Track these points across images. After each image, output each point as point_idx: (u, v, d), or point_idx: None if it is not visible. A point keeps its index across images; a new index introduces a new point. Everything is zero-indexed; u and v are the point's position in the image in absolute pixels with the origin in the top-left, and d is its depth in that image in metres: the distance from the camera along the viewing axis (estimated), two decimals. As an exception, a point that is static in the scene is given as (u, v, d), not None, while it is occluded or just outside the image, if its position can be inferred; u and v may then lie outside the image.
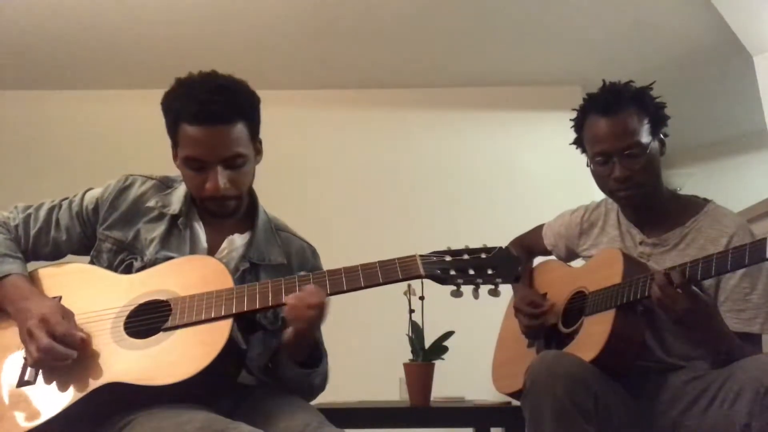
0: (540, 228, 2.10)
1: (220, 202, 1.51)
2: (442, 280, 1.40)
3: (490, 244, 1.46)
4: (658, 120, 1.74)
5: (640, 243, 1.77)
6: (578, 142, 1.83)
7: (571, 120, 1.84)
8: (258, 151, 1.59)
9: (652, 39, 3.55)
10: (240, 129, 1.48)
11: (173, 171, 1.68)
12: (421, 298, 2.10)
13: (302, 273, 1.46)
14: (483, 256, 1.42)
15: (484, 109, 4.00)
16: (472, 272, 1.40)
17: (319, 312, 1.37)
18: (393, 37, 3.53)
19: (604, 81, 1.80)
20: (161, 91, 1.58)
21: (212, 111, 1.44)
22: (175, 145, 1.53)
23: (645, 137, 1.70)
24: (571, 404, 1.45)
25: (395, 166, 3.88)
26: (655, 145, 1.73)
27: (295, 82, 3.89)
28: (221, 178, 1.47)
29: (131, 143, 3.74)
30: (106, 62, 3.67)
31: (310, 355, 1.48)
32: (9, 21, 3.27)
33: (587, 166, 1.80)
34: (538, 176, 3.79)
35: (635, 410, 1.58)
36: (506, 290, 1.59)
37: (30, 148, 3.82)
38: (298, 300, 1.36)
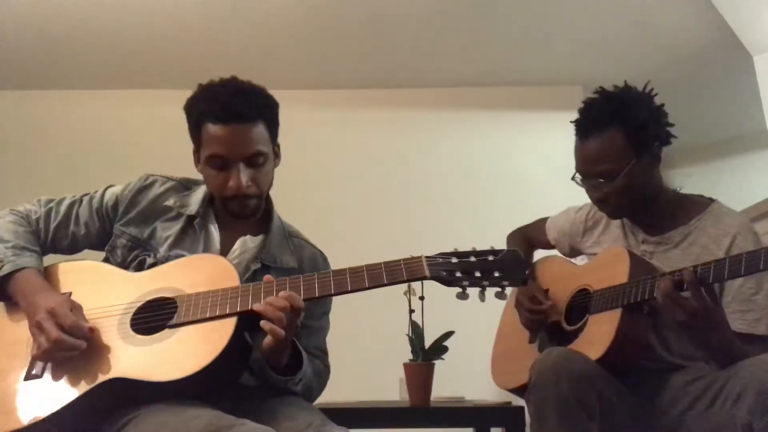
0: (543, 221, 2.10)
1: (242, 201, 1.54)
2: (447, 282, 1.38)
3: (489, 244, 1.45)
4: (645, 135, 1.68)
5: (643, 242, 1.77)
6: None
7: (571, 122, 1.84)
8: (276, 155, 1.64)
9: (652, 39, 3.55)
10: (261, 129, 1.55)
11: (174, 170, 1.69)
12: (421, 298, 2.10)
13: (308, 274, 1.45)
14: (490, 258, 1.39)
15: (484, 109, 4.00)
16: (478, 274, 1.38)
17: (291, 316, 1.34)
18: (393, 37, 3.53)
19: (601, 88, 1.77)
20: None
21: (235, 110, 1.50)
22: (198, 147, 1.57)
23: (621, 161, 1.67)
24: (575, 401, 1.45)
25: (395, 166, 3.87)
26: (640, 163, 1.68)
27: (295, 82, 3.89)
28: (243, 175, 1.51)
29: (131, 143, 3.74)
30: (106, 62, 3.67)
31: (289, 362, 1.46)
32: (9, 21, 3.27)
33: (572, 179, 1.80)
34: (538, 176, 3.79)
35: (637, 409, 1.58)
36: (508, 287, 1.59)
37: (30, 148, 3.81)
38: (267, 305, 1.34)
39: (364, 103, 3.98)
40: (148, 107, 3.75)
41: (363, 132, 3.94)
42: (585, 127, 1.73)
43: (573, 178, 1.78)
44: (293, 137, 3.72)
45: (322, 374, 1.65)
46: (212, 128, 1.51)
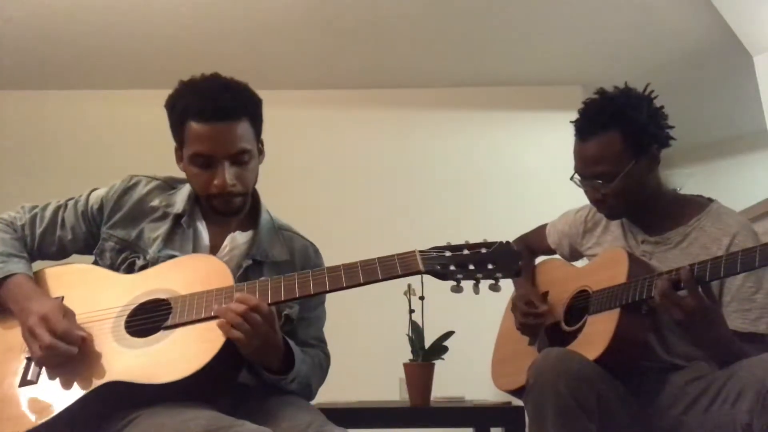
0: (543, 227, 2.11)
1: (226, 199, 1.53)
2: (441, 275, 1.38)
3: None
4: (644, 138, 1.69)
5: (643, 242, 1.77)
6: None
7: (571, 122, 1.84)
8: (260, 152, 1.62)
9: (652, 39, 3.55)
10: (246, 126, 1.52)
11: (173, 171, 1.69)
12: (421, 298, 2.10)
13: (302, 271, 1.44)
14: (483, 250, 1.39)
15: (484, 109, 4.00)
16: (472, 267, 1.38)
17: (254, 320, 1.31)
18: (393, 37, 3.53)
19: (602, 89, 1.78)
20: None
21: (220, 108, 1.48)
22: (181, 145, 1.55)
23: (619, 163, 1.67)
24: (574, 402, 1.45)
25: (395, 166, 3.88)
26: (638, 166, 1.68)
27: (295, 82, 3.89)
28: (228, 174, 1.49)
29: (131, 143, 3.74)
30: (107, 62, 3.67)
31: (284, 361, 1.45)
32: (9, 21, 3.27)
33: (570, 179, 1.80)
34: (538, 176, 3.79)
35: (637, 409, 1.58)
36: (507, 287, 1.58)
37: (30, 148, 3.81)
38: (224, 311, 1.32)
39: (364, 103, 3.98)
40: (148, 107, 3.70)
41: (363, 132, 3.94)
42: (584, 128, 1.73)
43: (572, 179, 1.78)
44: (293, 137, 3.76)
45: (323, 363, 1.65)
46: (196, 126, 1.49)
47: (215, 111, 1.48)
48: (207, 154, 1.49)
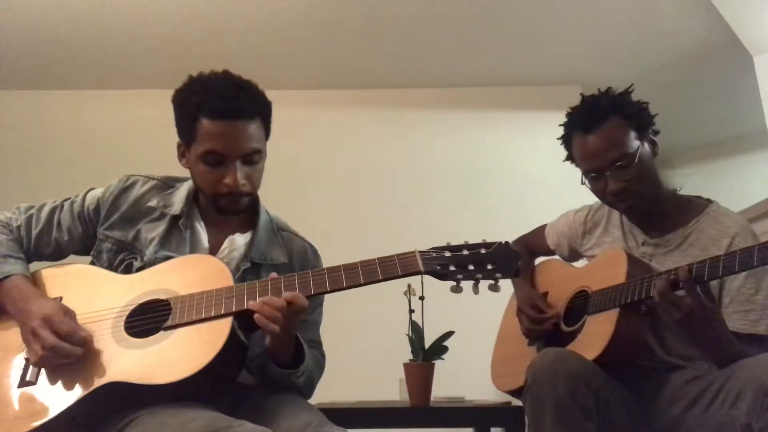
0: (542, 228, 2.10)
1: (235, 198, 1.52)
2: (441, 275, 1.38)
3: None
4: (643, 123, 1.72)
5: (643, 243, 1.77)
6: (571, 159, 1.83)
7: (558, 138, 1.84)
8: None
9: (652, 39, 3.55)
10: (258, 126, 1.52)
11: (173, 170, 1.68)
12: (421, 298, 2.11)
13: (302, 271, 1.44)
14: (482, 251, 1.40)
15: (484, 109, 4.01)
16: (471, 267, 1.38)
17: (291, 314, 1.34)
18: (393, 37, 3.54)
19: (582, 95, 1.79)
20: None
21: (235, 106, 1.47)
22: (189, 142, 1.53)
23: (632, 145, 1.68)
24: (572, 402, 1.45)
25: (395, 166, 3.88)
26: (646, 148, 1.71)
27: (295, 82, 3.89)
28: (240, 173, 1.49)
29: (131, 143, 3.75)
30: (106, 62, 3.68)
31: (293, 356, 1.47)
32: (10, 21, 3.27)
33: (582, 183, 1.79)
34: (538, 176, 3.79)
35: (636, 409, 1.58)
36: (506, 287, 1.58)
37: (30, 148, 3.82)
38: (263, 304, 1.34)
39: (364, 103, 3.98)
40: (147, 107, 3.75)
41: (363, 132, 3.95)
42: (586, 123, 1.72)
43: (583, 183, 1.77)
44: (293, 137, 3.76)
45: (321, 362, 1.66)
46: (210, 124, 1.47)
47: (231, 109, 1.47)
48: (220, 152, 1.48)
